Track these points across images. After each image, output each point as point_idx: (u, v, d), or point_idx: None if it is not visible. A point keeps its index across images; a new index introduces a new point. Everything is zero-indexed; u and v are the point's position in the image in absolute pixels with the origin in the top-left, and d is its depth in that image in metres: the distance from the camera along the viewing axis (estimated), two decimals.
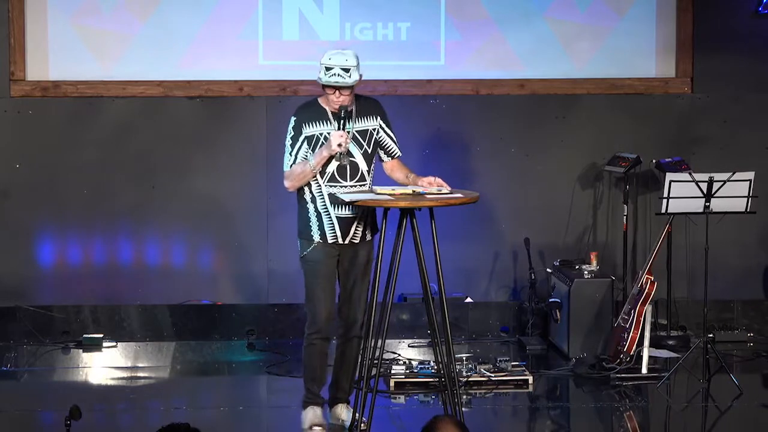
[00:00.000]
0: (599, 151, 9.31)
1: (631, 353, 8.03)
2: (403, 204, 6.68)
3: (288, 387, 6.99)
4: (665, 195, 7.87)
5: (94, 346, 8.86)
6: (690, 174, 7.92)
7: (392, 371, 7.90)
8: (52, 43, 9.12)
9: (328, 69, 6.61)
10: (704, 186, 7.80)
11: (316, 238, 6.70)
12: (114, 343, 8.93)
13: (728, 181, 7.79)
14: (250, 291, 9.20)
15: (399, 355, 8.55)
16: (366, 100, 6.84)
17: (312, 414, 6.77)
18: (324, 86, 6.64)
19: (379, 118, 6.82)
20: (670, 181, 7.87)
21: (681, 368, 7.98)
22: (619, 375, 8.02)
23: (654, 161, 8.98)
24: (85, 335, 8.93)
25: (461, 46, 9.32)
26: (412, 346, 8.96)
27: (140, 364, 8.58)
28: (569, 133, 9.35)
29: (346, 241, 6.73)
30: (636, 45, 9.38)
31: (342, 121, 6.60)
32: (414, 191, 6.78)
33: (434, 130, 9.30)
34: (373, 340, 6.79)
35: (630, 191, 9.10)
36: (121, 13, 9.13)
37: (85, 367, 8.54)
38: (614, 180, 9.31)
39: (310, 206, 6.71)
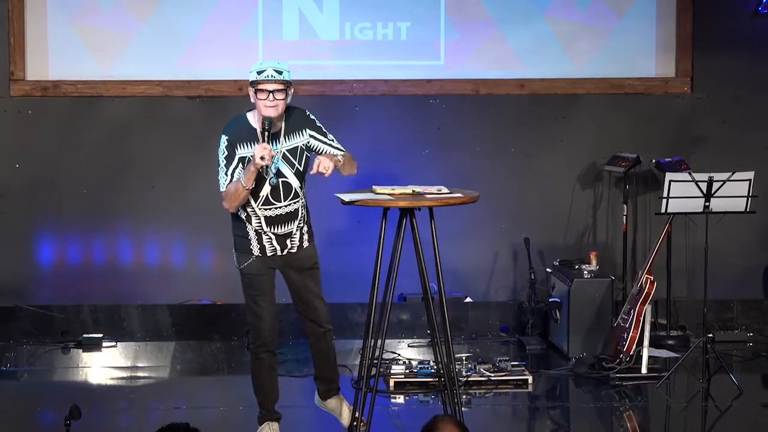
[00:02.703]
0: (599, 150, 9.31)
1: (631, 353, 8.03)
2: (402, 204, 6.68)
3: (288, 387, 6.99)
4: (665, 195, 7.87)
5: (94, 345, 8.86)
6: (690, 174, 7.92)
7: (392, 371, 7.91)
8: (52, 42, 9.12)
9: (260, 72, 6.42)
10: (704, 186, 7.80)
11: (255, 252, 6.58)
12: (114, 343, 8.93)
13: (728, 180, 7.79)
14: None
15: (399, 354, 8.55)
16: (294, 114, 6.58)
17: (268, 430, 6.73)
18: (257, 90, 6.41)
19: (307, 130, 6.57)
20: (670, 181, 7.87)
21: (681, 368, 7.98)
22: (618, 375, 8.02)
23: (654, 161, 8.98)
24: (84, 335, 8.93)
25: (461, 45, 9.32)
26: (412, 346, 8.96)
27: (140, 364, 8.58)
28: (569, 133, 9.35)
29: (284, 253, 6.62)
30: (636, 45, 9.38)
31: (265, 133, 6.38)
32: (414, 191, 6.78)
33: (434, 130, 9.30)
34: (372, 340, 6.79)
35: (630, 191, 9.10)
36: (121, 12, 9.13)
37: (84, 367, 8.54)
38: (614, 180, 9.31)
39: (247, 225, 6.56)
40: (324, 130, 6.62)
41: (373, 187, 6.87)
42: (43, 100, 9.12)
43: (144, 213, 9.22)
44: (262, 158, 6.29)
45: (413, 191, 6.78)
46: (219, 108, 9.08)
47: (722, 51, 9.31)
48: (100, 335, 8.94)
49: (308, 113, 6.64)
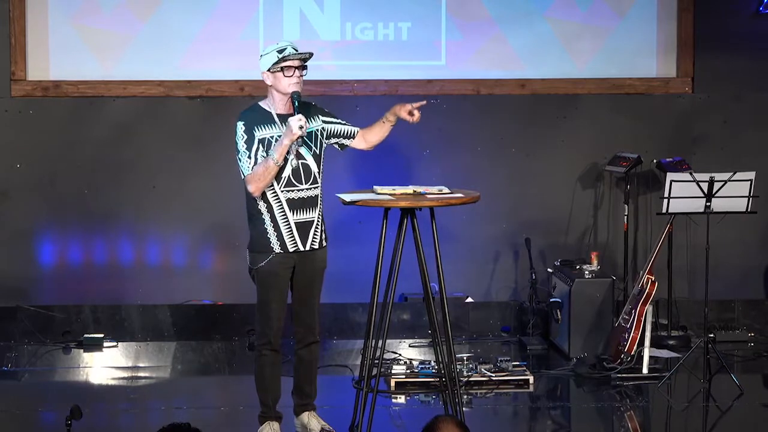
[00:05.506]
0: (600, 151, 9.31)
1: (632, 353, 8.03)
2: (403, 204, 6.69)
3: (289, 387, 6.99)
4: (666, 195, 7.87)
5: (95, 345, 8.86)
6: (691, 174, 7.92)
7: (393, 371, 7.91)
8: (53, 42, 9.12)
9: (280, 51, 6.51)
10: (705, 186, 7.80)
11: (276, 248, 6.57)
12: (115, 343, 8.93)
13: (729, 180, 7.79)
14: (251, 291, 9.17)
15: (400, 355, 8.55)
16: (302, 103, 6.64)
17: (268, 429, 6.73)
18: (283, 68, 6.48)
19: (319, 116, 6.70)
20: (671, 181, 7.87)
21: (682, 368, 7.98)
22: (619, 375, 8.01)
23: (655, 161, 8.98)
24: (85, 335, 8.93)
25: (462, 45, 9.32)
26: (413, 346, 8.96)
27: (141, 364, 8.58)
28: (570, 133, 9.35)
29: (307, 248, 6.62)
30: (637, 45, 9.38)
31: (296, 105, 6.47)
32: (415, 191, 6.78)
33: (435, 130, 9.30)
34: (373, 340, 6.79)
35: (631, 191, 9.10)
36: (121, 12, 9.13)
37: (85, 367, 8.54)
38: (615, 180, 9.31)
39: (266, 216, 6.56)
40: (332, 113, 6.77)
41: (374, 187, 6.88)
42: (44, 100, 9.12)
43: (145, 213, 9.22)
44: (300, 127, 6.36)
45: (414, 191, 6.78)
46: (220, 108, 9.09)
47: (723, 51, 9.31)
48: (101, 335, 8.94)
49: (313, 102, 6.78)
